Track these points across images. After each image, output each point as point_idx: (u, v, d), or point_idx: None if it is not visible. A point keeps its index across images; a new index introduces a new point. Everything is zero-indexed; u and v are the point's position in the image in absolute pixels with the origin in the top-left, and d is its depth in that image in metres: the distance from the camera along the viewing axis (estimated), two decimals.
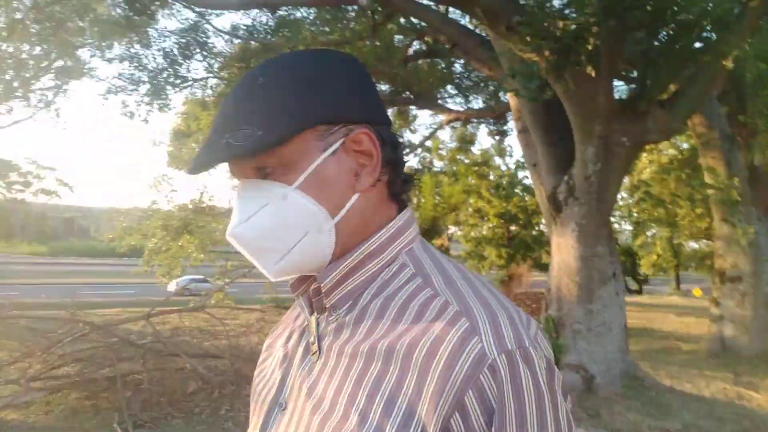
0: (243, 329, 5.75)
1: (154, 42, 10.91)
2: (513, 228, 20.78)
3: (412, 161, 20.24)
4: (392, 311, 0.59)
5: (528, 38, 3.76)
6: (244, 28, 11.05)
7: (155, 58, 11.08)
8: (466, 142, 16.88)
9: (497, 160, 20.61)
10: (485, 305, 0.56)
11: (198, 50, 11.29)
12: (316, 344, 0.63)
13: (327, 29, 8.47)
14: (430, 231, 18.37)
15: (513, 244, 20.36)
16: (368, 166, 0.62)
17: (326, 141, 0.61)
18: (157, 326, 4.97)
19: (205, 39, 11.34)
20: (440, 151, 18.78)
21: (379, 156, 0.62)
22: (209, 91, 12.10)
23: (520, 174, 20.29)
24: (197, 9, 10.46)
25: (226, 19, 10.12)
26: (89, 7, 10.95)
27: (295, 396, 0.62)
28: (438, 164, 20.46)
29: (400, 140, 0.67)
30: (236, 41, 11.57)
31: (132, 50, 10.92)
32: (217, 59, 11.58)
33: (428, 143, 18.13)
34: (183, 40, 11.08)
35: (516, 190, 20.27)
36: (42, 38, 11.51)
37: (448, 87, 13.09)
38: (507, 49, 5.10)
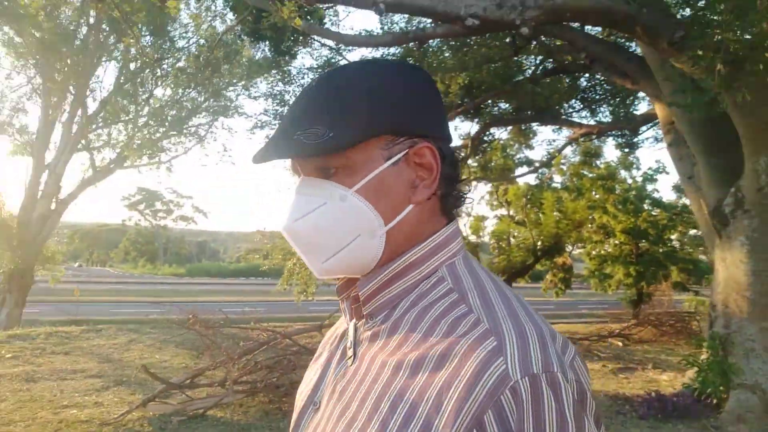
0: None
1: (293, 79, 11.97)
2: (642, 244, 19.57)
3: (528, 178, 19.96)
4: (425, 325, 0.59)
5: (699, 52, 3.80)
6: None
7: (295, 94, 12.11)
8: (591, 155, 16.38)
9: (623, 173, 19.67)
10: (516, 325, 0.55)
11: None
12: (351, 349, 0.65)
13: (461, 56, 8.82)
14: (552, 249, 17.87)
15: (642, 262, 19.15)
16: (427, 180, 0.64)
17: (390, 150, 0.63)
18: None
19: None
20: (561, 166, 18.36)
21: (439, 171, 0.64)
22: None
23: (649, 187, 19.19)
24: (333, 45, 11.34)
25: (357, 53, 10.87)
26: (238, 52, 12.34)
27: (327, 397, 0.65)
28: (558, 179, 19.98)
29: (459, 157, 0.69)
30: None
31: (275, 88, 12.03)
32: None
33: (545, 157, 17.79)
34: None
35: (644, 204, 19.16)
36: (198, 82, 13.13)
37: (573, 101, 12.94)
38: (662, 64, 5.10)
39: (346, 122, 0.60)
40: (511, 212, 20.80)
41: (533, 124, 13.41)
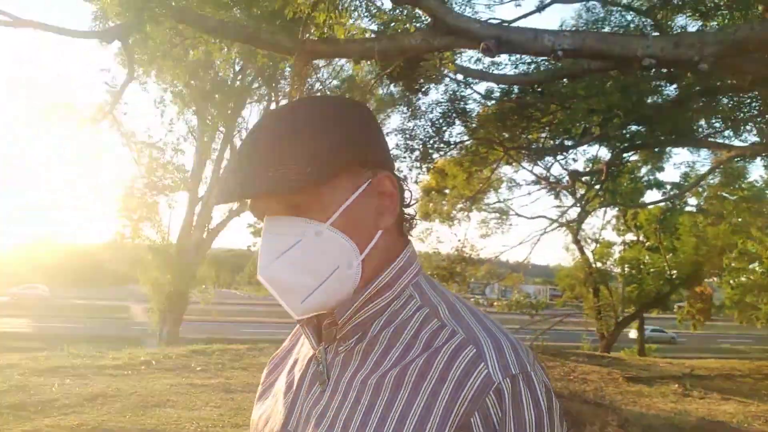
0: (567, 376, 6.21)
1: (422, 113, 12.57)
2: None
3: (653, 195, 18.79)
4: (403, 342, 0.61)
5: None
6: (499, 90, 11.92)
7: (424, 128, 12.65)
8: (735, 177, 15.21)
9: None
10: (489, 333, 0.60)
11: (456, 116, 12.54)
12: (324, 374, 0.65)
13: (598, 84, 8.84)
14: (690, 277, 16.67)
15: None
16: (390, 207, 0.67)
17: (356, 181, 0.65)
18: None
19: (464, 105, 12.57)
20: (698, 188, 17.17)
21: (396, 197, 0.68)
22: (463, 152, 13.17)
23: None
24: (461, 79, 11.79)
25: (482, 85, 11.14)
26: (370, 92, 13.22)
27: (303, 424, 0.64)
28: (692, 202, 18.68)
29: (403, 183, 0.72)
30: (490, 103, 12.55)
31: (405, 123, 12.68)
32: (473, 122, 12.70)
33: (676, 180, 16.73)
34: (445, 109, 12.44)
35: None
36: None
37: (713, 121, 12.21)
38: None
39: (320, 158, 0.61)
40: (641, 238, 19.73)
41: (672, 147, 12.78)
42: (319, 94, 12.74)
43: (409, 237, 0.72)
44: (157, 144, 15.54)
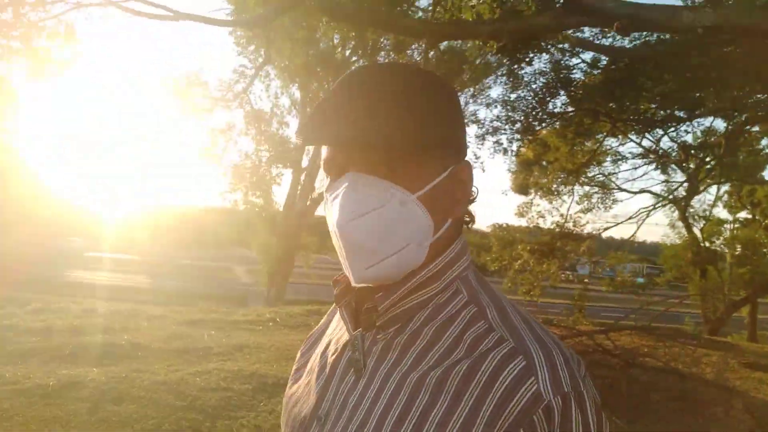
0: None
1: (525, 84, 12.37)
2: None
3: None
4: (447, 341, 0.59)
5: None
6: (605, 59, 11.46)
7: (526, 99, 12.46)
8: None
9: None
10: (541, 344, 0.56)
11: (561, 86, 12.21)
12: (361, 361, 0.63)
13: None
14: None
15: None
16: (465, 196, 0.65)
17: (444, 163, 0.63)
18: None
19: (569, 75, 12.20)
20: None
21: (470, 189, 0.66)
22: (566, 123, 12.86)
23: None
24: (567, 48, 11.47)
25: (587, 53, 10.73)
26: (467, 59, 13.19)
27: (337, 412, 0.62)
28: None
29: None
30: (596, 72, 12.09)
31: (507, 94, 12.56)
32: (579, 92, 12.32)
33: None
34: (549, 79, 12.14)
35: None
36: None
37: None
38: None
39: (420, 125, 0.59)
40: (757, 216, 18.30)
41: None
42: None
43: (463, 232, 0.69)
44: (265, 117, 16.53)
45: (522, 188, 14.70)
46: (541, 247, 12.37)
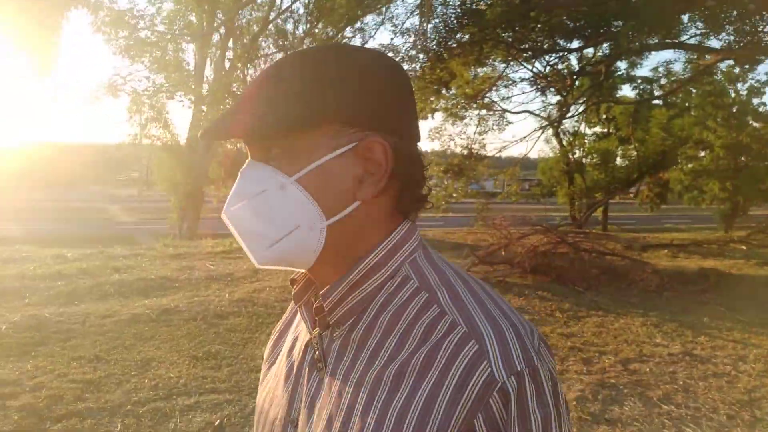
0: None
1: (437, 14, 13.36)
2: (742, 159, 20.51)
3: (629, 92, 20.81)
4: (399, 331, 0.59)
5: None
6: None
7: (437, 28, 13.49)
8: (700, 73, 17.14)
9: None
10: (492, 322, 0.57)
11: (468, 17, 13.38)
12: (321, 361, 0.64)
13: None
14: (658, 165, 19.24)
15: (741, 176, 20.16)
16: (374, 176, 0.61)
17: (338, 141, 0.60)
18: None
19: (474, 6, 13.45)
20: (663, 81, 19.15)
21: (388, 168, 0.61)
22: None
23: (755, 101, 19.85)
24: None
25: None
26: None
27: (306, 415, 0.64)
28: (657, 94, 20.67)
29: (422, 158, 0.66)
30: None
31: (421, 24, 13.48)
32: (482, 23, 13.58)
33: (639, 73, 18.53)
34: (457, 11, 13.27)
35: (748, 118, 19.90)
36: None
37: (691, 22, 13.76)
38: None
39: (291, 105, 0.59)
40: (611, 129, 21.90)
41: (659, 51, 14.37)
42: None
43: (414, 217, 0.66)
44: (159, 43, 15.70)
45: (431, 111, 16.09)
46: (452, 167, 14.10)
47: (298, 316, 0.74)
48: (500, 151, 15.34)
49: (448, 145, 14.71)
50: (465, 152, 14.42)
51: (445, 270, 0.63)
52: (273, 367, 0.75)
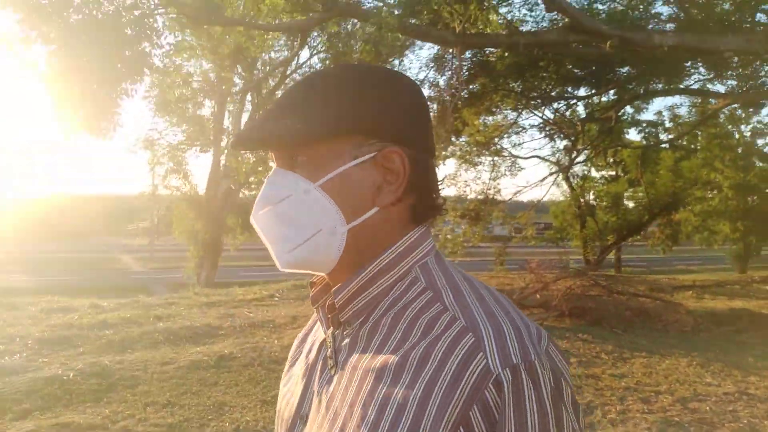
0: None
1: (450, 68, 13.90)
2: (751, 199, 20.75)
3: (635, 136, 21.29)
4: (403, 326, 0.62)
5: None
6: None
7: (451, 82, 14.01)
8: (706, 117, 17.61)
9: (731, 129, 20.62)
10: (492, 319, 0.58)
11: (480, 69, 13.94)
12: (332, 359, 0.67)
13: None
14: (669, 207, 19.45)
15: (751, 217, 20.35)
16: (393, 185, 0.65)
17: (359, 151, 0.65)
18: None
19: (485, 59, 14.02)
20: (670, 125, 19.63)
21: (406, 177, 0.65)
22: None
23: (759, 141, 20.27)
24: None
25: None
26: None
27: (315, 410, 0.67)
28: (664, 138, 21.12)
29: (437, 170, 0.72)
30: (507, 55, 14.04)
31: (435, 78, 13.98)
32: (496, 75, 14.11)
33: (644, 117, 19.04)
34: (468, 64, 13.80)
35: (754, 159, 20.28)
36: None
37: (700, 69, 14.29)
38: None
39: (314, 116, 0.64)
40: (619, 172, 22.26)
41: (666, 96, 14.86)
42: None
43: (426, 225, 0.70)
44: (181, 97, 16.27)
45: (439, 159, 16.42)
46: (468, 212, 14.37)
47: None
48: (515, 195, 15.62)
49: (464, 191, 15.02)
50: (481, 197, 14.72)
51: (454, 274, 0.66)
52: (293, 369, 0.78)
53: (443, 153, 15.87)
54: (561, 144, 18.20)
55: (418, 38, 6.49)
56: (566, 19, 5.99)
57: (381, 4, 6.23)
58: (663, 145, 20.54)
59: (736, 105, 15.42)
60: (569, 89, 14.92)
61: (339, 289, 0.66)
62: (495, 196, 14.89)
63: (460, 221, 14.41)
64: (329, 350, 0.68)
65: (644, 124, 20.28)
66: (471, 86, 14.20)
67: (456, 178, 15.27)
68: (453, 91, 8.16)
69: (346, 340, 0.67)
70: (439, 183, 0.71)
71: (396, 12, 5.17)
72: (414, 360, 0.58)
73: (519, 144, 17.70)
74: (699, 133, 19.40)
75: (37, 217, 39.94)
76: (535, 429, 0.53)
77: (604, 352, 5.33)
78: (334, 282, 0.69)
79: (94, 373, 4.32)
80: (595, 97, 15.91)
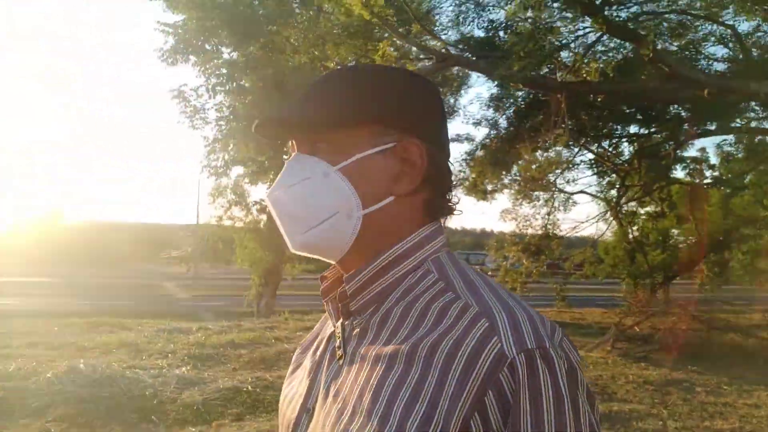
0: None
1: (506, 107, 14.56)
2: None
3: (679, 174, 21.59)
4: (414, 314, 0.63)
5: None
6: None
7: (509, 119, 14.64)
8: (758, 152, 17.86)
9: None
10: (505, 306, 0.60)
11: (536, 107, 14.55)
12: (341, 349, 0.68)
13: None
14: (720, 245, 19.55)
15: None
16: (409, 175, 0.68)
17: (378, 139, 0.68)
18: None
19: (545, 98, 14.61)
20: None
21: (423, 169, 0.68)
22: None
23: None
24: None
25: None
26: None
27: (321, 400, 0.67)
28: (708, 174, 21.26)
29: (450, 170, 0.74)
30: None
31: (493, 116, 14.66)
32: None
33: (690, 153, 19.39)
34: (523, 102, 14.42)
35: None
36: None
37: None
38: None
39: (338, 104, 0.68)
40: (665, 209, 22.45)
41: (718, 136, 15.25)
42: None
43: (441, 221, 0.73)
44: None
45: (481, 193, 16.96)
46: (530, 246, 14.84)
47: (325, 322, 0.80)
48: (573, 229, 16.02)
49: (523, 226, 15.51)
50: (540, 232, 15.18)
51: (466, 269, 0.68)
52: (296, 371, 0.80)
53: (499, 183, 16.40)
54: (610, 180, 18.64)
55: (525, 84, 7.09)
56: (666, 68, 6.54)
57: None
58: (710, 181, 20.79)
59: None
60: (619, 126, 15.47)
61: (351, 277, 0.68)
62: (555, 231, 15.35)
63: (522, 255, 14.87)
64: (338, 341, 0.70)
65: (688, 161, 20.64)
66: (525, 123, 14.81)
67: (515, 212, 15.79)
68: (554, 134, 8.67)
69: (356, 330, 0.68)
70: (452, 182, 0.74)
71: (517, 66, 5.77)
72: (426, 346, 0.59)
73: (573, 180, 18.18)
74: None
75: (70, 243, 41.14)
76: (551, 414, 0.53)
77: (724, 384, 5.69)
78: (345, 269, 0.72)
79: (265, 386, 4.84)
80: (644, 135, 16.40)
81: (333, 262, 0.74)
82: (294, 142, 0.72)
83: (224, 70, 7.89)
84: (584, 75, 6.61)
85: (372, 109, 0.68)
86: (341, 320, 0.70)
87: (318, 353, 0.75)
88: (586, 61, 6.59)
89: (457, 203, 0.74)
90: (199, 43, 9.09)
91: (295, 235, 0.69)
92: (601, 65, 6.47)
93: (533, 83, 6.58)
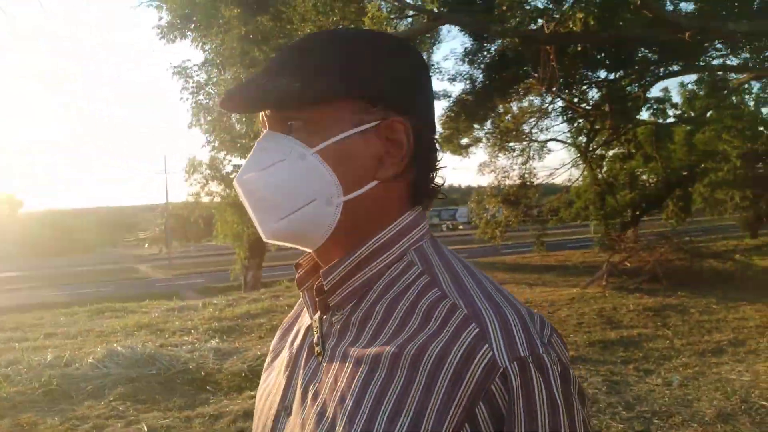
0: None
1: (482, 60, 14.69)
2: (759, 167, 21.83)
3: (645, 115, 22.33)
4: (399, 313, 0.59)
5: None
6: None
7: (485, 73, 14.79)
8: (719, 89, 18.58)
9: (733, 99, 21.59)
10: (495, 308, 0.56)
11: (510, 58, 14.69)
12: (320, 345, 0.64)
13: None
14: (685, 180, 20.50)
15: (760, 185, 21.42)
16: (395, 157, 0.62)
17: (361, 117, 0.61)
18: None
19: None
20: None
21: (410, 150, 0.62)
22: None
23: (764, 111, 21.32)
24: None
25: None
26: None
27: (300, 400, 0.63)
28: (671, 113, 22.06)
29: (438, 148, 0.67)
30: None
31: (472, 72, 14.79)
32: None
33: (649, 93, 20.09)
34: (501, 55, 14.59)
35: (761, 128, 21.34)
36: None
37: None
38: None
39: (315, 76, 0.60)
40: (632, 150, 23.25)
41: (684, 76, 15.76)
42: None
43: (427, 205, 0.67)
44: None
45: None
46: (509, 197, 15.30)
47: (304, 308, 0.73)
48: (550, 176, 16.55)
49: (502, 177, 15.91)
50: (518, 182, 15.63)
51: (451, 259, 0.64)
52: (274, 361, 0.75)
53: (473, 136, 16.69)
54: (579, 126, 19.17)
55: (518, 38, 7.26)
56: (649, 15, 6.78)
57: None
58: (674, 120, 21.57)
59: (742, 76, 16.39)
60: (588, 72, 15.85)
61: (329, 270, 0.63)
62: (531, 180, 15.82)
63: (500, 206, 15.31)
64: (316, 336, 0.65)
65: (652, 101, 21.32)
66: (502, 74, 15.00)
67: (493, 164, 16.16)
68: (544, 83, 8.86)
69: (336, 327, 0.63)
70: (438, 163, 0.67)
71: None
72: (411, 351, 0.55)
73: (546, 128, 18.62)
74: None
75: (31, 233, 40.00)
76: (546, 424, 0.52)
77: (713, 303, 6.24)
78: (322, 259, 0.66)
79: None
80: (612, 80, 16.86)
81: (309, 251, 0.68)
82: (265, 117, 0.65)
83: (234, 44, 7.83)
84: (570, 26, 6.81)
85: (354, 83, 0.61)
86: (319, 314, 0.65)
87: (295, 346, 0.70)
88: (572, 12, 6.77)
89: (442, 185, 0.68)
90: (201, 18, 9.03)
91: (268, 223, 0.62)
92: (585, 15, 6.67)
93: (517, 34, 6.74)
